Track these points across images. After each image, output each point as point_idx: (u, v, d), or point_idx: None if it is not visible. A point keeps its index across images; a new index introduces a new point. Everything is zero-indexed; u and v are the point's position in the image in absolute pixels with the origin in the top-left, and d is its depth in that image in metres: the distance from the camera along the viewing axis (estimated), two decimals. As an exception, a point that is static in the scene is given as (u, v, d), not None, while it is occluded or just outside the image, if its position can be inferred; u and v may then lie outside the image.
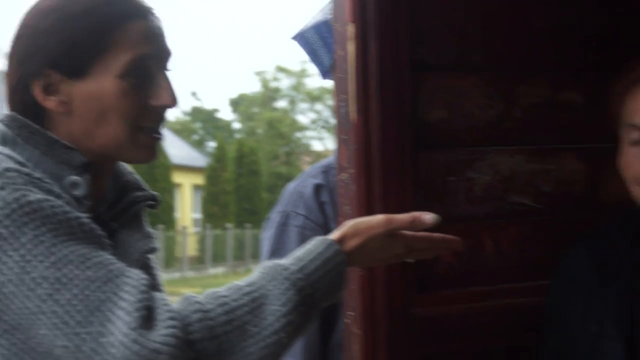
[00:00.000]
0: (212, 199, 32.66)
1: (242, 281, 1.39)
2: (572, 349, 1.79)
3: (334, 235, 1.47)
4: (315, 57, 2.47)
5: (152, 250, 1.61)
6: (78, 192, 1.46)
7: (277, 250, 2.25)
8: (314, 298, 1.39)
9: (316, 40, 2.44)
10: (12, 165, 1.36)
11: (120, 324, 1.26)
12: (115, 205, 1.59)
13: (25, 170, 1.37)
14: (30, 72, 1.44)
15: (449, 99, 2.06)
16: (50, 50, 1.43)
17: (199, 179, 35.11)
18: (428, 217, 1.49)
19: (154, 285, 1.58)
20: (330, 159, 2.32)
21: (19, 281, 1.29)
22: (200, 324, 1.31)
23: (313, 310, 1.40)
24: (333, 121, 2.19)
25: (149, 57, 1.48)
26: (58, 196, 1.38)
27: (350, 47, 1.89)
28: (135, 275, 1.32)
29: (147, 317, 1.28)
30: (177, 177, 32.19)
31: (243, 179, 33.59)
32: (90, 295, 1.29)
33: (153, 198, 1.64)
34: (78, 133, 1.48)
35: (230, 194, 32.93)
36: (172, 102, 1.50)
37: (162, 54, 1.52)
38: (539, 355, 1.90)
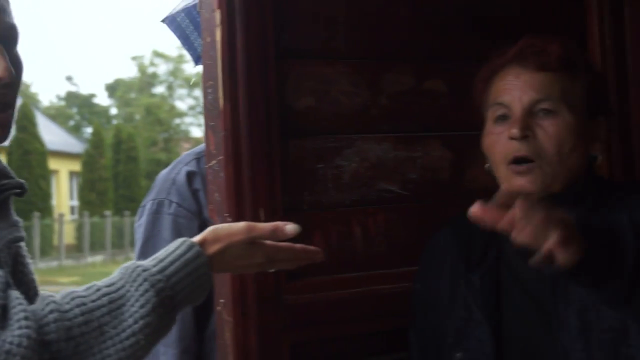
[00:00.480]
0: (90, 186, 32.02)
1: (101, 282, 1.37)
2: (440, 332, 1.82)
3: (196, 238, 1.46)
4: (187, 42, 2.44)
5: (18, 239, 1.54)
6: None
7: (151, 239, 2.21)
8: (175, 300, 1.39)
9: (188, 25, 2.41)
10: None
11: None
12: None
13: None
14: None
15: (316, 87, 2.05)
16: None
17: (76, 166, 34.26)
18: (289, 227, 1.49)
19: (24, 274, 1.57)
20: (203, 145, 2.25)
21: None
22: (56, 324, 1.28)
23: (173, 312, 1.40)
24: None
25: None
26: None
27: (218, 34, 1.88)
28: None
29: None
30: (53, 164, 31.42)
31: (121, 166, 32.98)
32: None
33: (20, 186, 1.58)
34: None
35: (108, 181, 32.39)
36: (4, 73, 1.42)
37: None
38: (409, 338, 1.91)
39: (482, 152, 1.80)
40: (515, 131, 1.67)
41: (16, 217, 1.57)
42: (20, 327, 1.25)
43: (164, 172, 2.34)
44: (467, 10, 2.23)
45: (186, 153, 2.38)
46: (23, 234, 1.58)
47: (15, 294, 1.30)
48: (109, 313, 1.33)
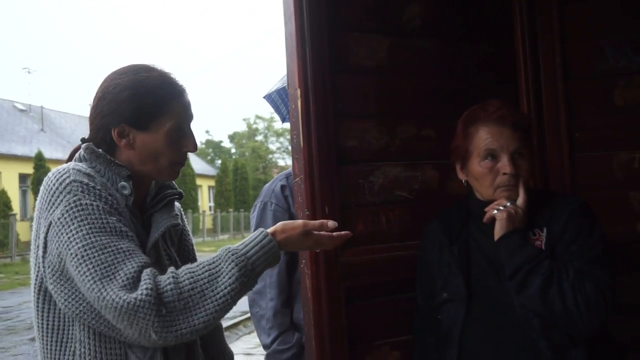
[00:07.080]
0: (220, 195, 39.26)
1: (208, 259, 1.38)
2: (433, 281, 1.96)
3: (270, 229, 1.47)
4: (277, 109, 2.66)
5: (175, 225, 1.59)
6: (125, 191, 1.47)
7: (260, 224, 2.31)
8: (254, 272, 1.40)
9: (277, 99, 2.64)
10: (77, 177, 1.40)
11: (115, 285, 1.31)
12: (156, 197, 1.60)
13: (86, 181, 1.41)
14: (111, 123, 1.51)
15: (357, 134, 2.16)
16: (125, 112, 1.49)
17: (212, 182, 42.19)
18: (330, 223, 1.49)
19: (187, 245, 1.63)
20: (289, 170, 2.39)
21: (67, 251, 1.36)
22: (172, 290, 1.32)
23: (253, 279, 1.40)
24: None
25: (183, 121, 1.53)
26: (106, 198, 1.39)
27: (299, 103, 2.03)
28: (137, 257, 1.36)
29: (133, 284, 1.32)
30: (199, 181, 38.43)
31: (238, 182, 40.22)
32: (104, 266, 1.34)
33: (179, 194, 1.63)
34: (135, 161, 1.51)
35: (230, 192, 39.66)
36: (194, 149, 1.56)
37: (190, 118, 1.57)
38: (415, 285, 2.04)
39: (455, 173, 1.91)
40: (511, 169, 1.78)
41: (176, 212, 1.63)
42: (143, 290, 1.30)
43: (266, 185, 2.46)
44: (449, 89, 2.31)
45: (279, 174, 2.48)
46: (179, 221, 1.63)
47: (147, 271, 1.34)
48: (209, 282, 1.34)
